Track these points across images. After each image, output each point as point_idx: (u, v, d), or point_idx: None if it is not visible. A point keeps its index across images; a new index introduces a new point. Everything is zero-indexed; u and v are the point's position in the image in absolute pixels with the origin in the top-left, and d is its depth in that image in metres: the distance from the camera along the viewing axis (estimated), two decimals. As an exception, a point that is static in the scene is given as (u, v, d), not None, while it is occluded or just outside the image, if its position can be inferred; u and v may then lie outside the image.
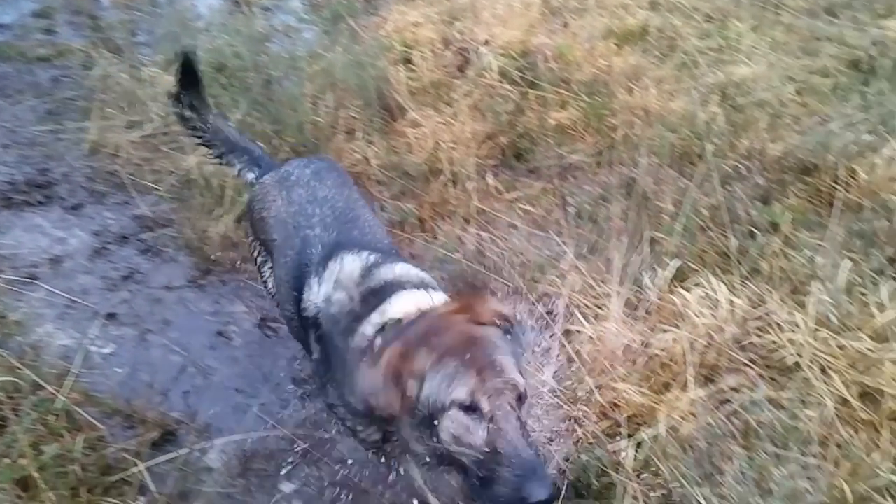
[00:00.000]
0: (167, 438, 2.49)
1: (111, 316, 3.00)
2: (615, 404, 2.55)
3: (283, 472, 2.41)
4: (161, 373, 2.74)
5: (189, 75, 2.76)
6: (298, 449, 2.47)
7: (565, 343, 2.76)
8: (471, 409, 1.59)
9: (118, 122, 4.08)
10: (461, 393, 1.59)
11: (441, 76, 4.35)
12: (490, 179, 3.70)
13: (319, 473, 2.42)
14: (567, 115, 4.17)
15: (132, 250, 3.38)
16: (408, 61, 4.45)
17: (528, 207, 3.60)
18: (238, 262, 3.27)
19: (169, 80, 4.32)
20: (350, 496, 2.35)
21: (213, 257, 3.29)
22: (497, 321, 1.75)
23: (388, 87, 4.07)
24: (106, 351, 2.83)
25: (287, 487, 2.36)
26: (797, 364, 2.64)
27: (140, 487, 2.23)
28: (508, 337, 1.76)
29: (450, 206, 3.49)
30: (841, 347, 2.69)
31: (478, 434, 1.59)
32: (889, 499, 2.25)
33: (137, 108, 4.18)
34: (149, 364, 2.78)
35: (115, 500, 2.20)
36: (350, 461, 2.46)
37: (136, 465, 2.29)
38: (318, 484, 2.38)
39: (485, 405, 1.59)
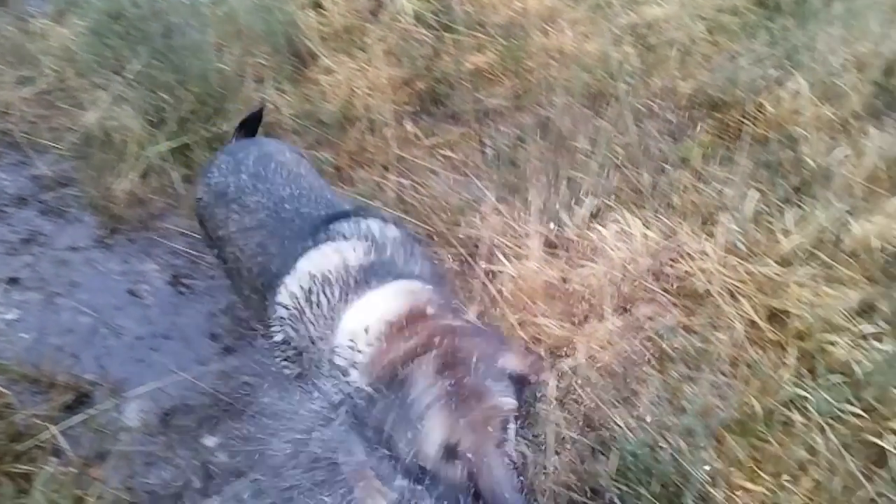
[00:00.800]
0: (81, 401, 2.44)
1: (13, 281, 2.89)
2: (537, 338, 2.64)
3: (205, 426, 2.40)
4: (71, 335, 2.67)
5: (251, 122, 2.81)
6: (220, 403, 2.47)
7: (487, 283, 2.82)
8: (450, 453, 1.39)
9: (7, 79, 3.86)
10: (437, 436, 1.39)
11: (353, 20, 4.26)
12: (408, 126, 3.69)
13: (245, 426, 2.41)
14: (484, 58, 4.17)
15: (32, 212, 3.24)
16: (317, 5, 4.33)
17: (448, 153, 3.61)
18: (146, 220, 3.19)
19: (62, 33, 4.12)
20: (277, 447, 2.36)
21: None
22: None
23: (297, 33, 3.97)
24: (9, 317, 2.73)
25: (210, 441, 2.36)
26: (708, 291, 2.78)
27: (54, 451, 2.19)
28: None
29: (367, 154, 3.47)
30: (749, 273, 2.85)
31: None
32: (794, 411, 2.43)
33: (28, 62, 3.95)
34: (57, 327, 2.70)
35: (26, 467, 2.15)
36: (276, 413, 2.47)
37: (48, 429, 2.25)
38: (242, 436, 2.38)
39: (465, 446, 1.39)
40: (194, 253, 3.05)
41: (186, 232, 3.13)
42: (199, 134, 3.42)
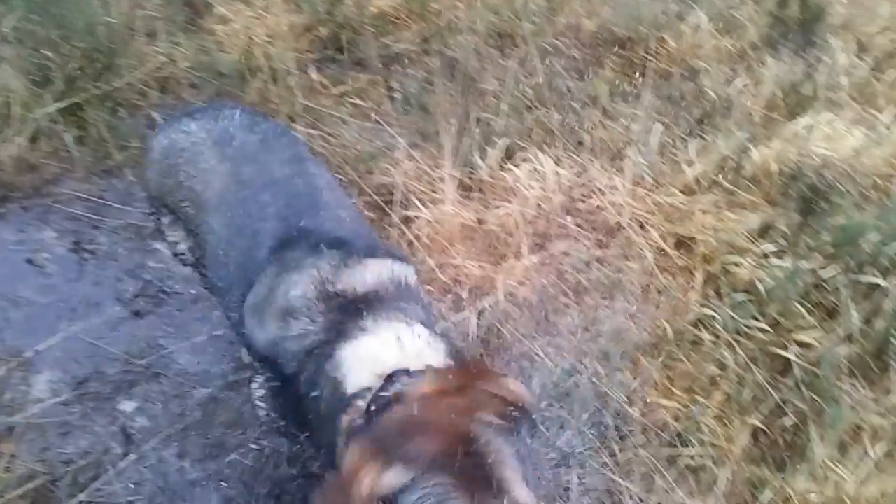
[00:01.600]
0: (-17, 378, 2.36)
1: None
2: (456, 280, 2.70)
3: (121, 392, 2.37)
4: (-34, 312, 2.56)
5: None
6: (134, 367, 2.43)
7: (405, 229, 2.86)
8: None
9: None
10: None
11: (246, -34, 4.14)
12: (313, 74, 3.63)
13: (161, 388, 2.40)
14: (388, 1, 4.12)
15: None
16: (208, -49, 4.18)
17: (357, 100, 3.59)
18: (39, 186, 3.05)
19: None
20: (197, 405, 2.36)
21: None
22: (503, 412, 1.25)
23: (188, -19, 3.84)
24: None
25: (128, 406, 2.33)
26: (619, 223, 2.90)
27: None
28: (515, 434, 1.27)
29: (272, 105, 3.40)
30: (657, 203, 2.99)
31: None
32: (704, 330, 2.59)
33: None
34: (-50, 305, 2.58)
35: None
36: (193, 372, 2.46)
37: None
38: (161, 398, 2.36)
39: None
40: (95, 217, 2.95)
41: (84, 196, 3.02)
42: (89, 92, 3.27)
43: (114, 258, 2.81)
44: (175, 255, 2.16)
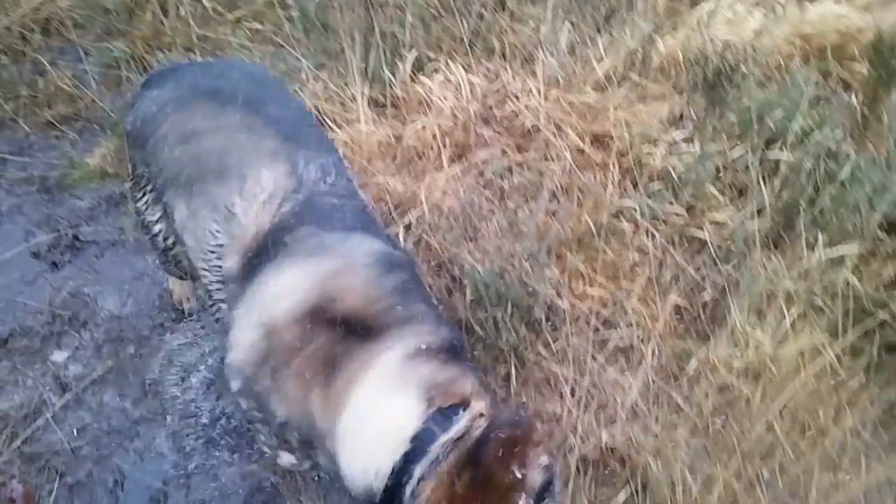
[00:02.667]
0: None
1: None
2: (379, 198, 2.79)
3: (51, 343, 2.40)
4: None
5: None
6: (60, 318, 2.46)
7: (321, 153, 2.91)
8: None
9: None
10: None
11: None
12: (206, 1, 3.57)
13: (91, 335, 2.44)
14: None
15: None
16: None
17: (255, 25, 3.57)
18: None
19: None
20: (130, 346, 2.42)
21: None
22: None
23: (55, -89, 3.66)
24: None
25: (59, 356, 2.37)
26: (536, 126, 3.02)
27: None
28: None
29: (166, 38, 3.36)
30: (571, 104, 3.10)
31: None
32: (623, 220, 2.76)
33: None
34: None
35: None
36: (121, 315, 2.51)
37: None
38: (92, 345, 2.41)
39: None
40: (-11, 173, 2.92)
41: (-29, 153, 2.97)
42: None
43: (20, 212, 2.79)
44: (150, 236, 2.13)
